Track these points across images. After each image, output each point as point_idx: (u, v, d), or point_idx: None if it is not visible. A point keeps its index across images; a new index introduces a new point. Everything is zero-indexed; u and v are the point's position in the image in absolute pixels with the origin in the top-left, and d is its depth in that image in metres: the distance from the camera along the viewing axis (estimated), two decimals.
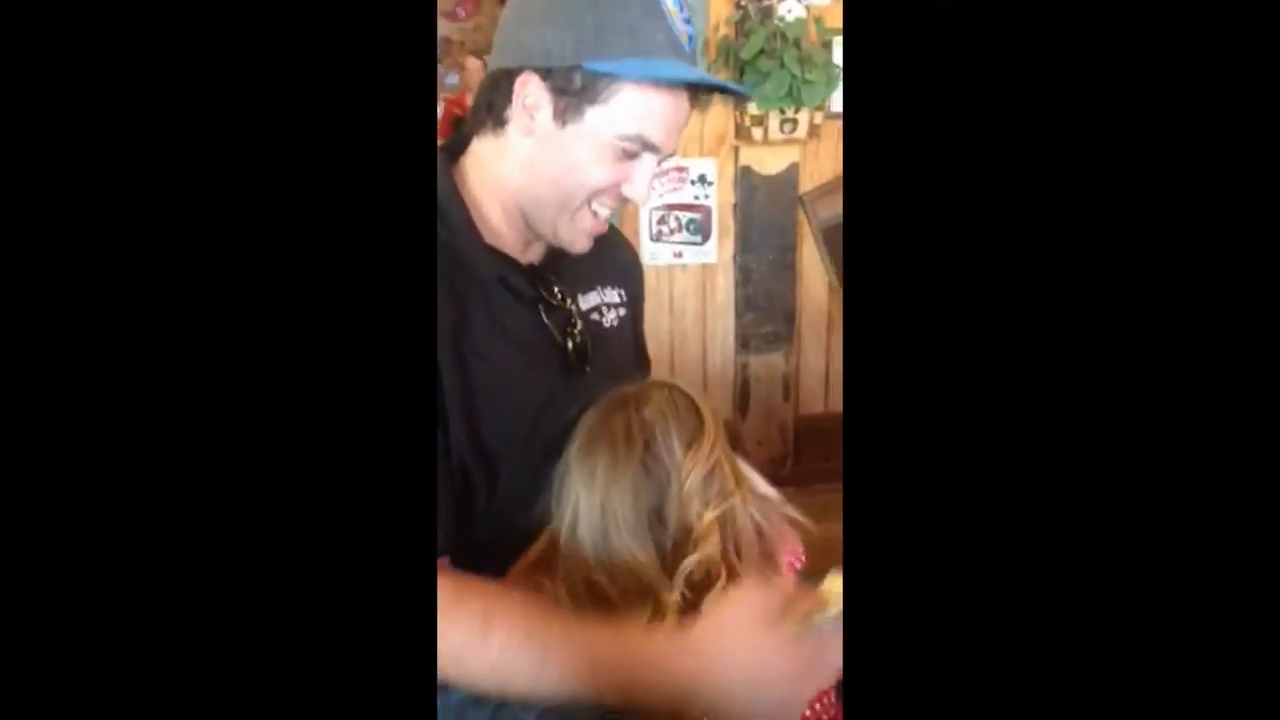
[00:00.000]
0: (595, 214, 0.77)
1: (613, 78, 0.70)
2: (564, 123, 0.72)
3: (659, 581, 0.66)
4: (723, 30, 2.00)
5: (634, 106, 0.71)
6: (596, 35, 0.69)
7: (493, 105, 0.75)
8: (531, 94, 0.72)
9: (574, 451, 0.71)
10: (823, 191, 2.16)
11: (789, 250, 2.17)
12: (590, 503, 0.68)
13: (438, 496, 0.66)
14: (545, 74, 0.71)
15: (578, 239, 0.78)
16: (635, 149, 0.73)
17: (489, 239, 0.77)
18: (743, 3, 1.98)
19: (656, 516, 0.68)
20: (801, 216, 2.16)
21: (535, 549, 0.71)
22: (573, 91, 0.71)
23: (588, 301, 0.84)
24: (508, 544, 0.72)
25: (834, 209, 2.16)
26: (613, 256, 0.91)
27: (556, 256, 0.83)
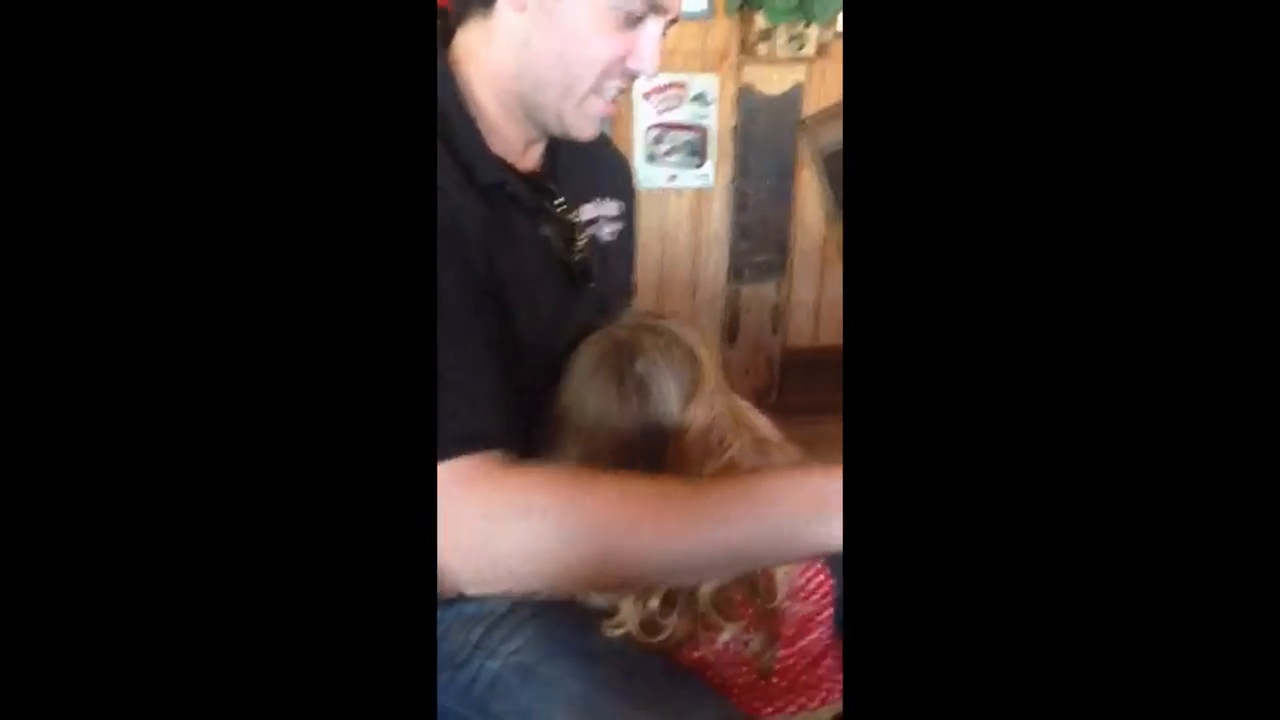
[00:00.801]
0: (603, 96, 0.70)
1: None
2: None
3: None
4: None
5: None
6: None
7: None
8: None
9: (566, 401, 0.67)
10: (825, 116, 2.06)
11: (787, 177, 2.10)
12: (585, 457, 0.65)
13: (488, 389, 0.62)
14: None
15: (585, 124, 0.71)
16: (640, 10, 0.66)
17: (491, 142, 0.71)
18: None
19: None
20: (802, 143, 2.09)
21: None
22: None
23: (586, 213, 0.79)
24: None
25: (835, 135, 2.08)
26: (608, 165, 0.86)
27: (554, 164, 0.77)
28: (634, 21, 0.67)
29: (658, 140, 2.04)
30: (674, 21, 0.70)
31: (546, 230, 0.73)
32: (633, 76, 0.70)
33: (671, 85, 1.99)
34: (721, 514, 0.56)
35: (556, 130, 0.73)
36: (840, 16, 1.92)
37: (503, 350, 0.66)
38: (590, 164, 0.80)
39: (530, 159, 0.76)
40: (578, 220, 0.76)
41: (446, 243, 0.62)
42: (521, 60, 0.69)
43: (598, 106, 0.71)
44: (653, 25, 0.68)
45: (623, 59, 0.68)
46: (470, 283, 0.65)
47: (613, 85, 0.70)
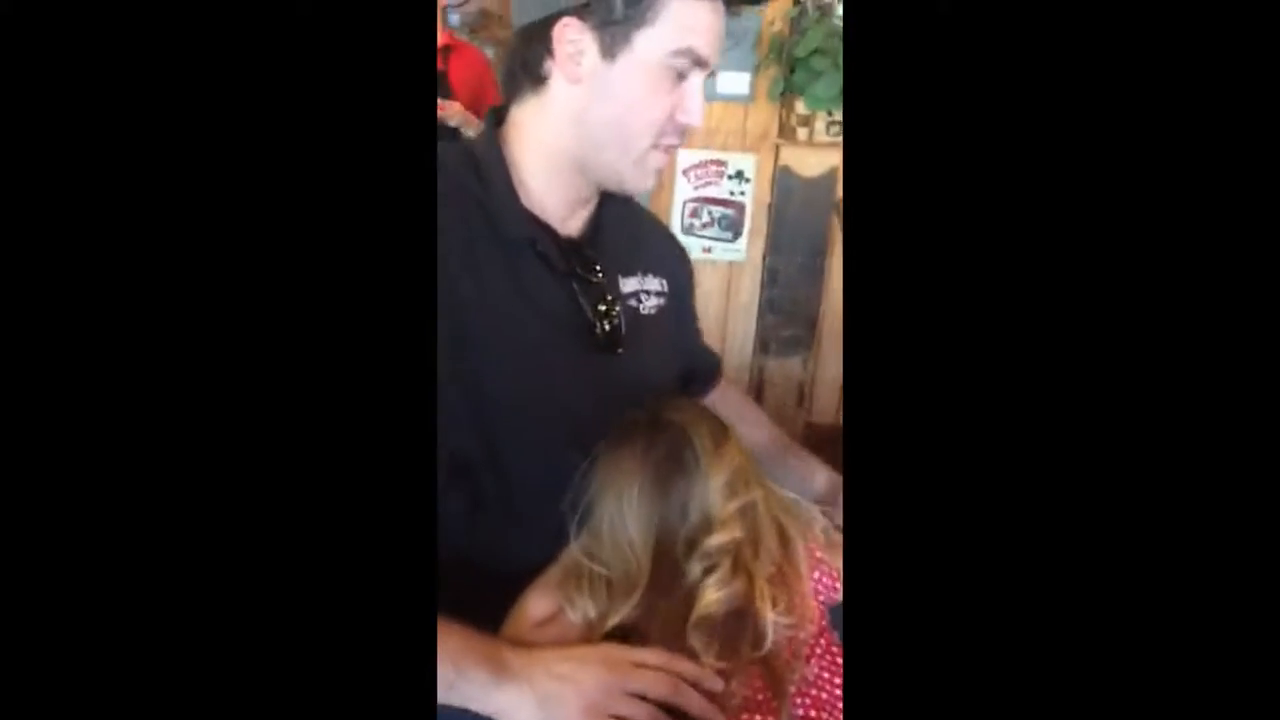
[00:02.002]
0: (664, 150, 0.74)
1: None
2: (613, 57, 0.70)
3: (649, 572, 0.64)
4: (778, 25, 1.97)
5: (680, 19, 0.69)
6: None
7: (527, 63, 0.73)
8: (572, 38, 0.69)
9: (600, 448, 0.67)
10: None
11: (819, 255, 2.14)
12: (611, 504, 0.65)
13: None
14: (582, 12, 0.69)
15: (644, 178, 0.76)
16: (685, 66, 0.71)
17: (531, 206, 0.75)
18: (801, 0, 1.95)
19: (680, 511, 0.65)
20: (835, 222, 2.13)
21: (562, 563, 0.67)
22: (615, 20, 0.68)
23: (627, 285, 0.82)
24: (522, 551, 0.68)
25: None
26: (655, 243, 0.89)
27: (597, 231, 0.81)
28: (680, 76, 0.71)
29: (694, 213, 2.10)
30: (711, 73, 0.75)
31: (577, 292, 0.76)
32: (683, 129, 0.74)
33: (711, 162, 2.06)
34: None
35: (614, 186, 0.77)
36: None
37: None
38: (638, 239, 0.84)
39: (574, 225, 0.80)
40: (610, 286, 0.79)
41: (448, 288, 0.65)
42: (580, 130, 0.73)
43: (654, 160, 0.75)
44: (695, 78, 0.72)
45: (672, 114, 0.73)
46: (465, 332, 0.67)
47: (667, 139, 0.74)
